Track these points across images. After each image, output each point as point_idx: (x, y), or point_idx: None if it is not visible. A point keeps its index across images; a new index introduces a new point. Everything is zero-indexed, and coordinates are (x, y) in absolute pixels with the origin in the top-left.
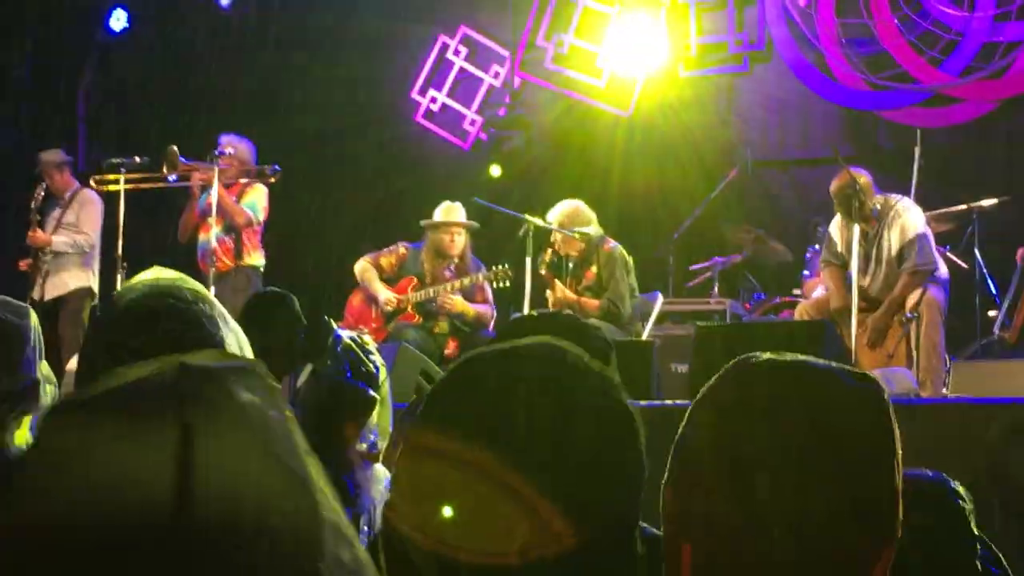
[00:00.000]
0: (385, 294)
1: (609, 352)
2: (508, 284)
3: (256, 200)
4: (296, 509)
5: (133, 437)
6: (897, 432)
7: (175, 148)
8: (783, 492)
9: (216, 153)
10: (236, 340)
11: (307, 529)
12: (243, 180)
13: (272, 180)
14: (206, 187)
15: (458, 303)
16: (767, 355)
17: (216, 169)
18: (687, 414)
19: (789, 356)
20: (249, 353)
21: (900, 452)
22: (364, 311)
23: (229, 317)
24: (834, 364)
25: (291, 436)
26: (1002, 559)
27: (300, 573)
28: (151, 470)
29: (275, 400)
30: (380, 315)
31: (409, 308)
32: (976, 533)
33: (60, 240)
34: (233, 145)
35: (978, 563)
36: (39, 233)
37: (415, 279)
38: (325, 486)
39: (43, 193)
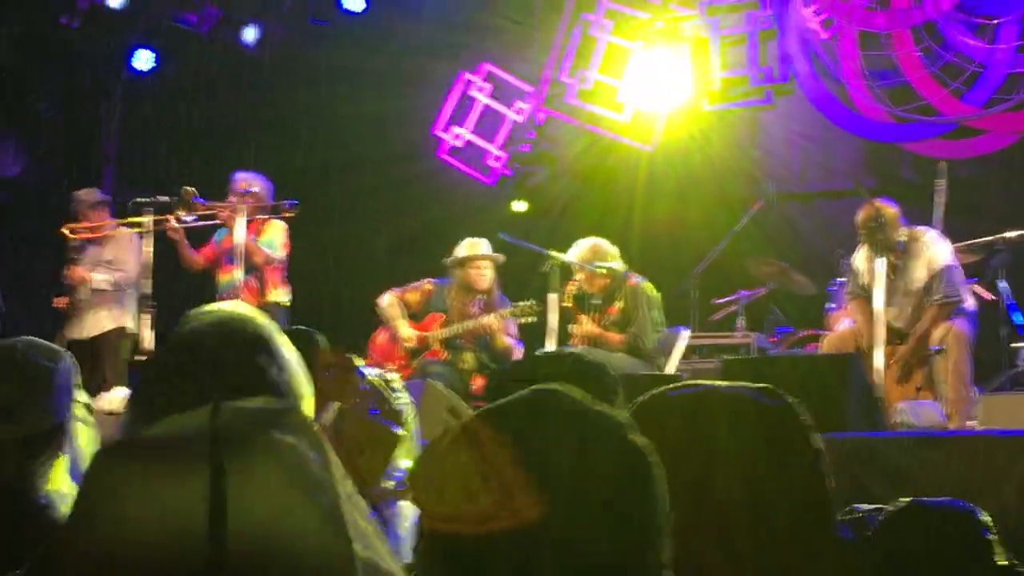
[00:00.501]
0: (407, 331)
1: (615, 388)
2: (534, 320)
3: (274, 237)
4: (328, 547)
5: (170, 478)
6: (819, 447)
7: (190, 189)
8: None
9: (241, 192)
10: (292, 382)
11: (340, 567)
12: (260, 216)
13: (289, 215)
14: (223, 226)
15: (496, 324)
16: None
17: (244, 208)
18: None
19: (698, 383)
20: (306, 395)
21: (817, 465)
22: (389, 348)
23: (292, 360)
24: (741, 384)
25: (327, 477)
26: None
27: None
28: (186, 509)
29: (313, 441)
30: (405, 352)
31: (436, 345)
32: (1001, 564)
33: (99, 277)
34: (248, 182)
35: None
36: (78, 269)
37: (442, 316)
38: (365, 524)
39: (83, 231)
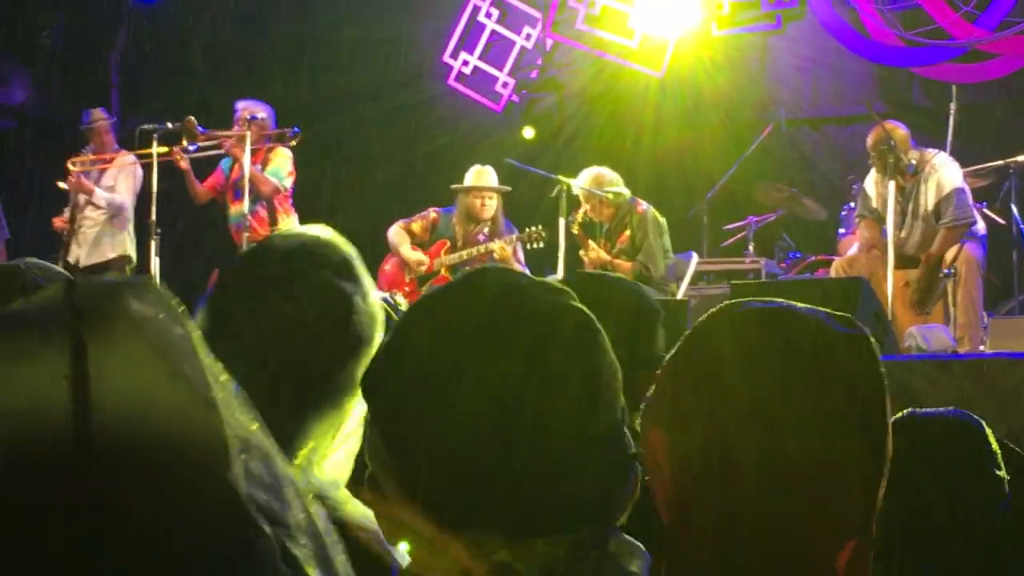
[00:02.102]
0: (414, 256)
1: (656, 318)
2: (541, 245)
3: (280, 166)
4: (198, 422)
5: (25, 357)
6: (885, 382)
7: (192, 119)
8: (766, 436)
9: (246, 119)
10: (371, 322)
11: (211, 442)
12: (264, 145)
13: (293, 143)
14: (228, 156)
15: (505, 249)
16: (755, 300)
17: (248, 135)
18: (678, 347)
19: (776, 301)
20: (376, 336)
21: (889, 404)
22: (397, 276)
23: (370, 292)
24: (820, 310)
25: (193, 351)
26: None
27: (206, 485)
28: (45, 389)
29: (176, 316)
30: (413, 279)
31: (443, 271)
32: (1001, 475)
33: (101, 193)
34: (251, 110)
35: (1002, 505)
36: (82, 179)
37: (448, 242)
38: (234, 401)
39: (90, 154)
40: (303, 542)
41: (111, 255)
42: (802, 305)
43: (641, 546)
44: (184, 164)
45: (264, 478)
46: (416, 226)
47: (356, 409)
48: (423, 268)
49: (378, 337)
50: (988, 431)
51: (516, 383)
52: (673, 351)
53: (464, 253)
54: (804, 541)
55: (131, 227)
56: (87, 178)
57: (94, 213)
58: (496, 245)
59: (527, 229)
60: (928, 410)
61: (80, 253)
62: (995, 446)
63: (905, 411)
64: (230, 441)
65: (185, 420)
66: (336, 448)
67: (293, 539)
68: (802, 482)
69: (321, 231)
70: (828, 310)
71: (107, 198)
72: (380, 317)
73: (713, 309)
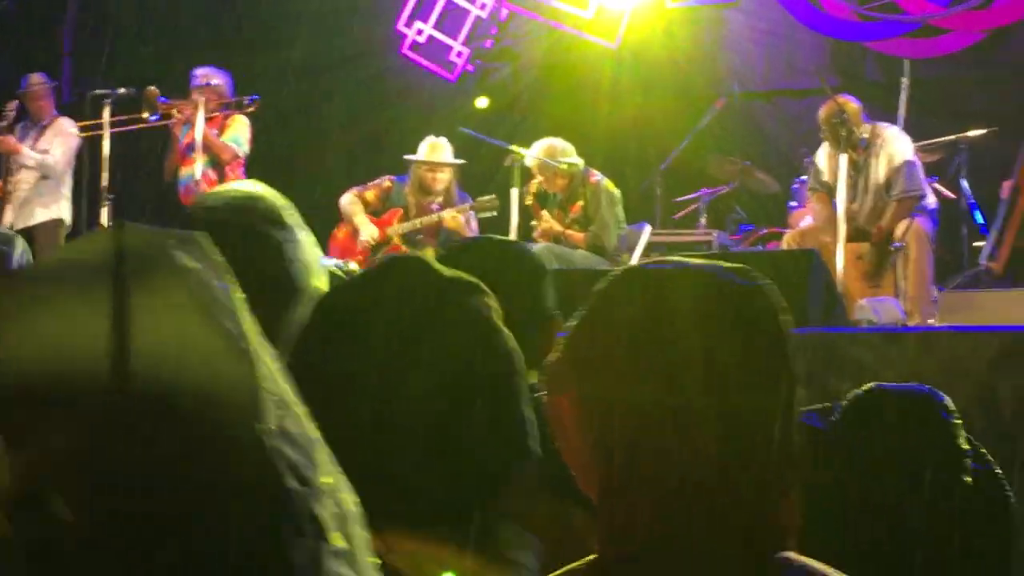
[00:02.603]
0: (368, 228)
1: (543, 275)
2: (494, 215)
3: (240, 133)
4: (236, 374)
5: (73, 299)
6: (787, 329)
7: (153, 88)
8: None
9: (203, 84)
10: (309, 261)
11: (248, 395)
12: (222, 113)
13: (251, 110)
14: (187, 123)
15: (457, 218)
16: (652, 261)
17: (202, 102)
18: (581, 316)
19: (673, 261)
20: (321, 277)
21: (793, 351)
22: (349, 244)
23: (303, 240)
24: (718, 264)
25: (234, 306)
26: (988, 456)
27: (239, 437)
28: (88, 329)
29: (219, 271)
30: (365, 247)
31: (395, 239)
32: (965, 447)
33: (29, 153)
34: (209, 77)
35: (967, 478)
36: (9, 138)
37: (401, 211)
38: (271, 361)
39: (15, 112)
40: (328, 505)
41: (43, 219)
42: (698, 261)
43: (533, 536)
44: (177, 131)
45: (297, 438)
46: (370, 194)
47: None
48: (375, 237)
49: (315, 286)
50: (950, 404)
51: (399, 371)
52: (576, 319)
53: (417, 222)
54: (739, 498)
55: (67, 191)
56: (23, 140)
57: (28, 175)
58: (448, 214)
59: (479, 199)
60: (890, 384)
61: (13, 216)
62: (957, 419)
63: (869, 384)
64: (264, 396)
65: (221, 370)
66: None
67: (319, 500)
68: (725, 437)
69: (251, 185)
70: (726, 264)
71: (37, 159)
72: (315, 266)
73: (611, 273)
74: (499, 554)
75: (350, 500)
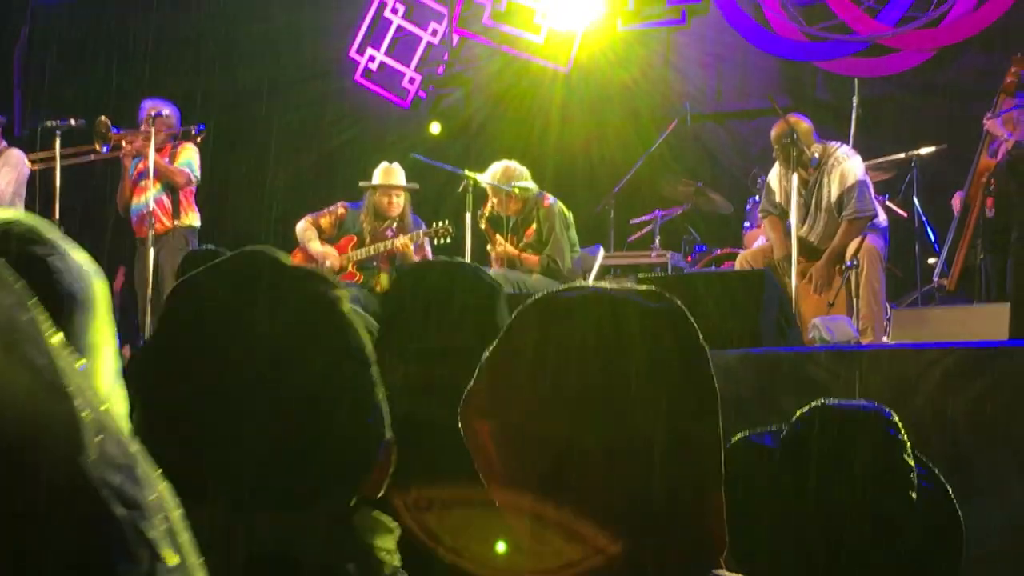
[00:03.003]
0: (323, 251)
1: (497, 295)
2: (449, 240)
3: (192, 158)
4: (51, 409)
5: None
6: (707, 352)
7: (104, 119)
8: (601, 423)
9: (153, 116)
10: (78, 278)
11: (66, 428)
12: (171, 143)
13: (198, 140)
14: (137, 155)
15: (407, 245)
16: (567, 288)
17: (152, 132)
18: (496, 341)
19: (588, 287)
20: (96, 291)
21: (710, 366)
22: None
23: (70, 253)
24: (632, 289)
25: (40, 337)
26: (937, 473)
27: (61, 474)
28: None
29: (22, 301)
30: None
31: (350, 267)
32: (911, 463)
33: None
34: (158, 108)
35: (913, 494)
36: None
37: (355, 238)
38: (85, 384)
39: None
40: (158, 522)
41: None
42: (611, 287)
43: (394, 523)
44: (127, 161)
45: (118, 459)
46: (324, 221)
47: (105, 369)
48: (330, 263)
49: (101, 296)
50: (895, 419)
51: (252, 358)
52: (492, 345)
53: (371, 248)
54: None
55: None
56: None
57: None
58: (400, 240)
59: (434, 224)
60: (839, 401)
61: None
62: (903, 435)
63: (817, 401)
64: (84, 425)
65: (33, 408)
66: None
67: (148, 521)
68: (647, 460)
69: (2, 213)
70: (639, 287)
71: None
72: (94, 276)
73: (528, 301)
74: (359, 540)
75: (175, 510)
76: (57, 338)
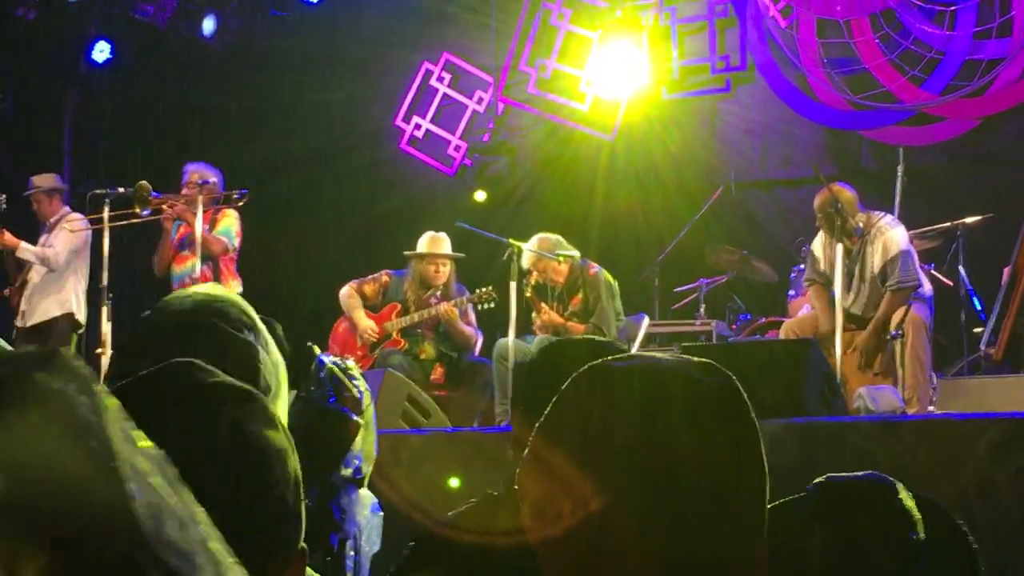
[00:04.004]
0: (365, 323)
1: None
2: (493, 306)
3: (230, 226)
4: (103, 492)
5: None
6: (756, 424)
7: (145, 183)
8: (646, 493)
9: (199, 183)
10: (276, 365)
11: (117, 511)
12: (213, 207)
13: (240, 204)
14: (177, 218)
15: (452, 311)
16: (620, 356)
17: (199, 200)
18: (548, 409)
19: (639, 356)
20: (283, 380)
21: (761, 443)
22: (349, 338)
23: (270, 340)
24: (686, 358)
25: (99, 421)
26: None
27: (109, 554)
28: None
29: (82, 385)
30: (365, 344)
31: (395, 335)
32: (920, 539)
33: (27, 247)
34: (202, 173)
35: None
36: (6, 234)
37: (399, 306)
38: (151, 469)
39: (4, 204)
40: None
41: (55, 313)
42: (665, 356)
43: None
44: (169, 226)
45: (179, 544)
46: (368, 288)
47: None
48: (374, 335)
49: (283, 387)
50: (901, 490)
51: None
52: (546, 411)
53: (415, 316)
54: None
55: (76, 286)
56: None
57: (36, 272)
58: (443, 307)
59: (477, 291)
60: (842, 474)
61: (26, 314)
62: (909, 504)
63: (822, 477)
64: (136, 509)
65: (87, 490)
66: None
67: None
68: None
69: (212, 288)
70: (693, 358)
71: (35, 251)
72: (283, 367)
73: (580, 369)
74: None
75: None
76: (125, 424)
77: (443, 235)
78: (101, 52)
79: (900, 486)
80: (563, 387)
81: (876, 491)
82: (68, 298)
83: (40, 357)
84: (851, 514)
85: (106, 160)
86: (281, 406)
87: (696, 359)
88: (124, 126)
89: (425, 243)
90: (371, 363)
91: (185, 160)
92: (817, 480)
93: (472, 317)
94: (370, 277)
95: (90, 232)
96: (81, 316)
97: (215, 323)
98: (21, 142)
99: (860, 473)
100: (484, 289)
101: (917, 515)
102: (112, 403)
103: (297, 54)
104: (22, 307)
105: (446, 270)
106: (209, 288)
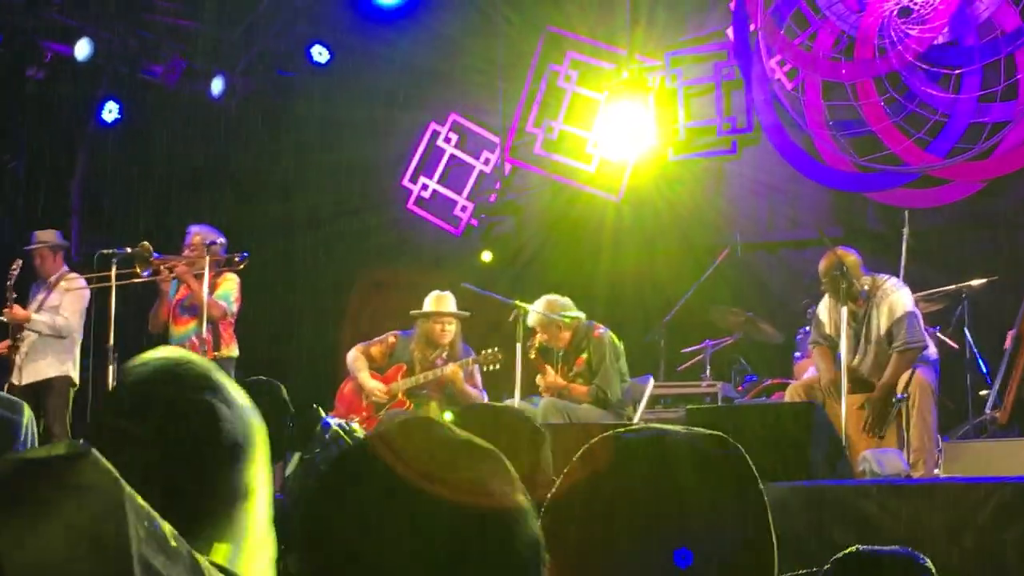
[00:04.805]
0: (371, 384)
1: (540, 439)
2: (498, 367)
3: (229, 291)
4: None
5: None
6: (763, 495)
7: (147, 244)
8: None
9: (203, 244)
10: (245, 425)
11: None
12: (214, 270)
13: (241, 267)
14: (177, 279)
15: (457, 371)
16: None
17: (205, 263)
18: (559, 482)
19: (652, 427)
20: (259, 440)
21: (769, 517)
22: (354, 400)
23: (242, 402)
24: (694, 431)
25: (123, 524)
26: None
27: None
28: None
29: (111, 487)
30: (370, 404)
31: (400, 395)
32: None
33: (39, 319)
34: (205, 235)
35: None
36: (16, 309)
37: (404, 367)
38: (169, 567)
39: (18, 270)
40: None
41: (52, 374)
42: (675, 428)
43: None
44: (167, 287)
45: None
46: (375, 350)
47: (258, 514)
48: (381, 396)
49: (260, 439)
50: (929, 566)
51: None
52: (556, 484)
53: (420, 377)
54: None
55: (75, 348)
56: (33, 297)
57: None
58: (449, 368)
59: (483, 352)
60: (873, 548)
61: (22, 372)
62: None
63: (851, 548)
64: None
65: None
66: (251, 555)
67: None
68: None
69: (171, 352)
70: (702, 430)
71: (47, 322)
72: (255, 420)
73: (591, 442)
74: None
75: None
76: (144, 517)
77: (448, 294)
78: (110, 112)
79: (931, 568)
80: (574, 460)
81: (905, 566)
82: (67, 359)
83: (68, 456)
84: None
85: (113, 220)
86: (260, 461)
87: (706, 432)
88: (132, 186)
89: (431, 302)
90: (375, 424)
91: (189, 221)
92: (844, 553)
93: (478, 379)
94: (377, 339)
95: (89, 293)
96: (76, 375)
97: (171, 391)
98: (29, 202)
99: (888, 548)
100: (490, 350)
101: None
102: (140, 503)
103: (304, 115)
104: (18, 363)
105: (452, 329)
106: (168, 352)
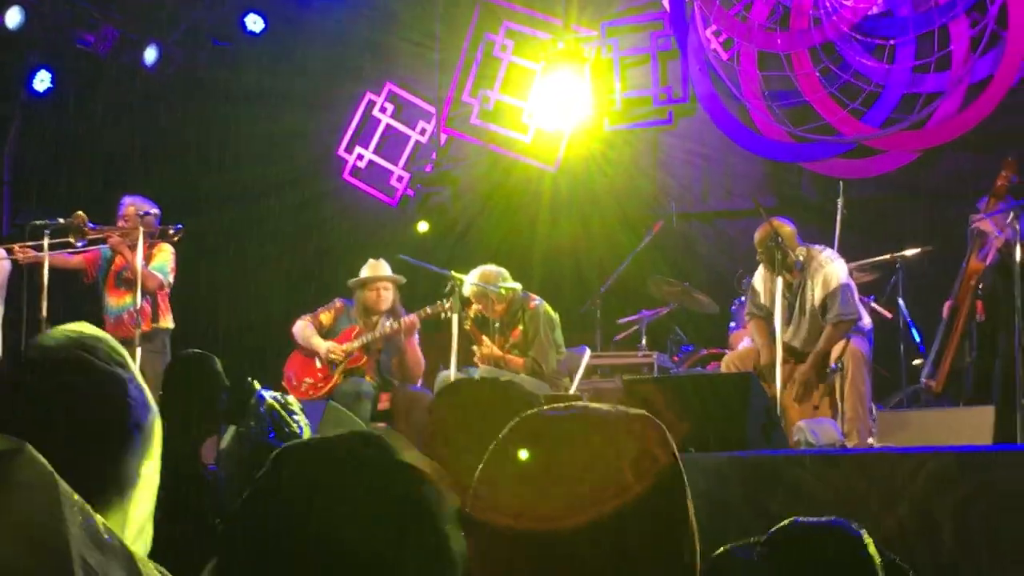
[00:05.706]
0: (325, 345)
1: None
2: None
3: (164, 261)
4: None
5: None
6: (683, 476)
7: (82, 214)
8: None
9: (138, 215)
10: (146, 410)
11: None
12: (148, 242)
13: (176, 239)
14: (113, 249)
15: (412, 322)
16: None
17: (139, 234)
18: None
19: (570, 404)
20: (154, 425)
21: (686, 482)
22: (308, 364)
23: (143, 384)
24: (616, 408)
25: (61, 522)
26: None
27: None
28: None
29: (47, 483)
30: (325, 366)
31: (356, 351)
32: None
33: None
34: (138, 206)
35: None
36: None
37: (357, 327)
38: (107, 564)
39: None
40: None
41: None
42: (595, 406)
43: None
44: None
45: None
46: (324, 316)
47: (141, 504)
48: (339, 353)
49: (156, 431)
50: (867, 540)
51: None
52: (481, 464)
53: (378, 331)
54: None
55: None
56: None
57: None
58: (408, 319)
59: (438, 302)
60: (810, 520)
61: None
62: (873, 553)
63: (788, 519)
64: None
65: None
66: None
67: None
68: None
69: (84, 327)
70: (629, 410)
71: None
72: (152, 408)
73: (513, 420)
74: None
75: None
76: (83, 519)
77: (382, 260)
78: (42, 81)
79: (868, 539)
80: (500, 437)
81: (843, 543)
82: None
83: (2, 452)
84: (818, 559)
85: (46, 191)
86: (153, 453)
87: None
88: (65, 157)
89: (365, 270)
90: (332, 385)
91: (123, 192)
92: (779, 526)
93: (417, 347)
94: (323, 307)
95: (9, 264)
96: None
97: (83, 356)
98: None
99: (824, 520)
100: (442, 300)
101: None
102: (75, 499)
103: (239, 85)
104: None
105: (388, 295)
106: (80, 327)
